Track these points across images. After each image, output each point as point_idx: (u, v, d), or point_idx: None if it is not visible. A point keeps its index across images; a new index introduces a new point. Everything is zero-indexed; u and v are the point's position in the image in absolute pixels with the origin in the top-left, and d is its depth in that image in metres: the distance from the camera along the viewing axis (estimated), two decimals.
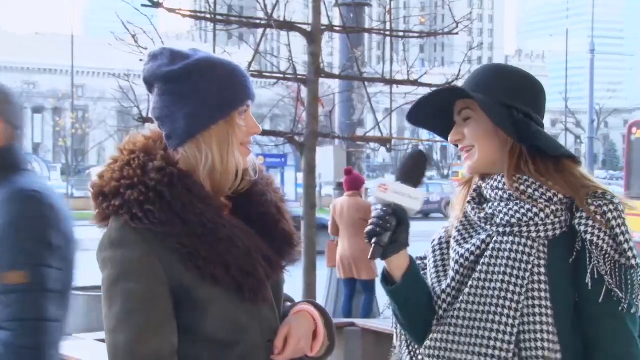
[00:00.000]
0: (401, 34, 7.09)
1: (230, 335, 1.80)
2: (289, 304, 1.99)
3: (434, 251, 2.07)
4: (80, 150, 63.19)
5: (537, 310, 1.87)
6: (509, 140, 1.96)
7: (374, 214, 1.91)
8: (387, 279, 2.00)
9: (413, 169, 1.96)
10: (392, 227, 1.88)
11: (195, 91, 1.81)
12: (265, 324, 1.84)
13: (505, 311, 1.88)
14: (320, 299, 8.95)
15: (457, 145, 2.03)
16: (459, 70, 6.42)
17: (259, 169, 1.95)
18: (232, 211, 1.90)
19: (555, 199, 1.92)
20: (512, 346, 1.87)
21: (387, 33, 6.93)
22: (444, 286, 1.97)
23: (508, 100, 1.96)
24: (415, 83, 6.40)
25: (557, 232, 1.91)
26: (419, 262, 2.10)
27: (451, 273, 1.97)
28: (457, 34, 6.73)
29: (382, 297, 10.35)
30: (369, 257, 1.90)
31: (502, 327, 1.88)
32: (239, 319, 1.80)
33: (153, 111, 1.87)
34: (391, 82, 6.65)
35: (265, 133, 6.30)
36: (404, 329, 2.07)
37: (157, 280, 1.76)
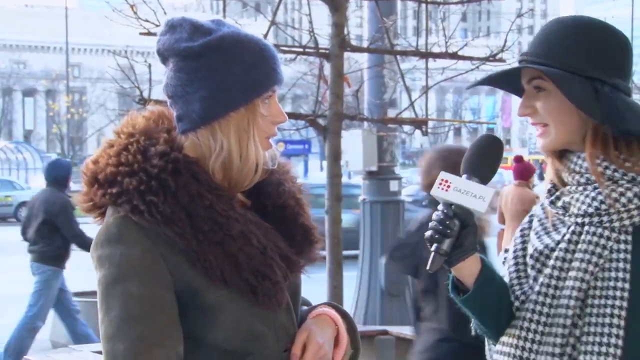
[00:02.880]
0: (440, 0, 7.05)
1: (242, 345, 1.80)
2: (305, 307, 1.99)
3: (515, 243, 2.04)
4: (77, 137, 63.73)
5: (607, 310, 1.86)
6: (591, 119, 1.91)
7: (433, 216, 1.89)
8: (457, 286, 1.99)
9: (481, 159, 1.91)
10: (454, 232, 1.86)
11: (215, 72, 1.80)
12: (281, 331, 1.85)
13: (570, 311, 1.88)
14: (348, 304, 8.97)
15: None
16: (505, 41, 6.38)
17: (276, 156, 1.94)
18: (246, 204, 1.90)
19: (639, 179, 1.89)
20: (559, 350, 1.89)
21: None
22: (525, 287, 1.97)
23: (590, 68, 1.89)
24: (454, 56, 6.36)
25: None
26: (505, 254, 2.09)
27: (529, 271, 1.97)
28: None
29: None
30: (427, 267, 1.89)
31: (558, 330, 1.89)
32: (252, 327, 1.80)
33: (165, 87, 1.86)
34: (427, 55, 6.62)
35: None
36: (492, 339, 2.06)
37: (161, 282, 1.76)
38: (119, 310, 1.74)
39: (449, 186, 1.87)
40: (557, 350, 1.89)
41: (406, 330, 6.86)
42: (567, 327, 1.89)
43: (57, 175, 8.09)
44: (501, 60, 6.54)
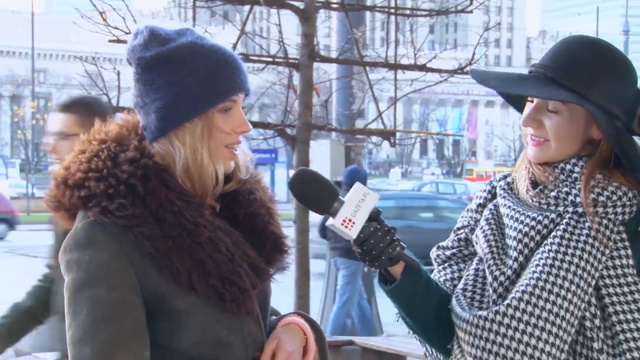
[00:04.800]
0: (408, 12, 7.10)
1: (209, 351, 1.80)
2: (274, 317, 2.00)
3: (483, 232, 2.05)
4: (41, 143, 63.05)
5: (630, 297, 1.90)
6: (600, 145, 1.97)
7: (369, 243, 1.91)
8: (384, 278, 2.03)
9: (318, 191, 1.92)
10: (392, 233, 1.93)
11: (168, 83, 1.81)
12: (249, 339, 1.85)
13: (575, 299, 1.89)
14: (314, 314, 8.96)
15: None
16: (473, 54, 6.44)
17: (249, 166, 1.95)
18: (215, 211, 1.90)
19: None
20: (569, 337, 1.89)
21: (392, 11, 6.93)
22: (506, 270, 1.96)
23: (610, 103, 1.94)
24: (423, 68, 6.40)
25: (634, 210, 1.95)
26: (439, 252, 2.14)
27: (514, 253, 1.97)
28: (471, 12, 6.74)
29: (385, 310, 10.35)
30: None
31: (565, 316, 1.89)
32: (219, 334, 1.80)
33: (131, 98, 1.88)
34: (396, 67, 6.65)
35: (252, 125, 6.29)
36: (416, 333, 2.09)
37: (129, 286, 1.76)
38: (87, 315, 1.74)
39: (350, 220, 1.90)
40: (571, 327, 1.89)
41: (372, 341, 6.88)
42: (579, 308, 1.90)
43: (357, 180, 9.08)
44: (468, 73, 6.60)
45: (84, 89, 6.97)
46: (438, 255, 2.14)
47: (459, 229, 2.14)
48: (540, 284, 1.90)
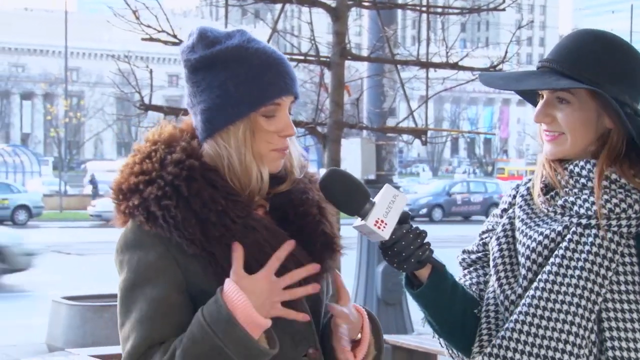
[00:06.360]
0: (439, 10, 7.09)
1: None
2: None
3: (498, 242, 2.04)
4: (74, 141, 63.77)
5: (634, 315, 1.89)
6: (611, 135, 1.94)
7: (397, 247, 1.90)
8: (411, 282, 2.02)
9: (350, 191, 1.90)
10: (423, 236, 1.91)
11: (211, 86, 1.83)
12: (298, 336, 1.86)
13: (580, 311, 1.88)
14: None
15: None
16: (506, 52, 6.41)
17: (304, 165, 1.96)
18: (266, 210, 1.92)
19: None
20: (582, 350, 1.88)
21: (424, 9, 6.92)
22: (517, 288, 1.96)
23: (619, 92, 1.93)
24: (454, 66, 6.39)
25: None
26: (464, 255, 2.13)
27: (523, 271, 1.97)
28: (503, 10, 6.72)
29: (415, 308, 10.34)
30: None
31: (574, 329, 1.88)
32: (268, 332, 1.80)
33: (185, 98, 1.92)
34: (427, 65, 6.64)
35: None
36: (442, 337, 2.09)
37: (175, 285, 1.80)
38: (136, 313, 1.79)
39: (382, 221, 1.88)
40: (579, 349, 1.88)
41: (402, 339, 6.87)
42: (585, 327, 1.89)
43: None
44: (501, 71, 6.57)
45: (116, 87, 7.02)
46: (463, 259, 2.14)
47: (483, 232, 2.13)
48: (532, 310, 1.90)
